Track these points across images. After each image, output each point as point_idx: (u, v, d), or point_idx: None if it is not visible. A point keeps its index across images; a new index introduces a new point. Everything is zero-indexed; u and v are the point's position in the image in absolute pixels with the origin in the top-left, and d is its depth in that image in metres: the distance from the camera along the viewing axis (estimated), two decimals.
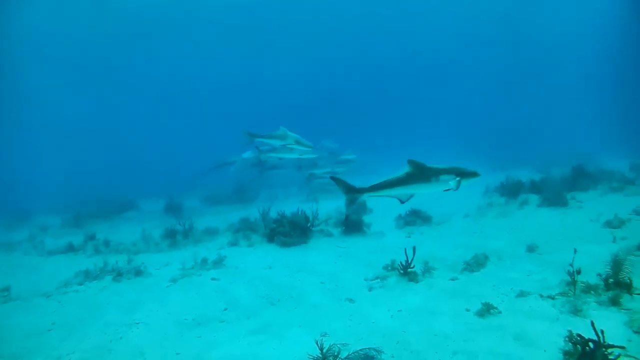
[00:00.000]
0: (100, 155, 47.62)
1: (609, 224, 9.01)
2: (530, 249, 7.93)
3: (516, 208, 12.15)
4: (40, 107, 53.56)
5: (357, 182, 6.62)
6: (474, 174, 5.99)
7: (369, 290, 6.78)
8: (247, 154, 14.53)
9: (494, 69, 61.86)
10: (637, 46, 39.72)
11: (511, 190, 13.76)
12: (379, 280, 7.11)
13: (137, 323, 6.25)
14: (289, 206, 12.56)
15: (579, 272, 5.51)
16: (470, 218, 11.74)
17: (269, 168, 16.14)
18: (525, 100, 54.27)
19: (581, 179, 13.79)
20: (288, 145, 10.98)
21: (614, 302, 5.13)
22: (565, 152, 23.20)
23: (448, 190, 5.98)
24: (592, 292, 5.43)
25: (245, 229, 11.88)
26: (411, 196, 6.37)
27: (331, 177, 6.81)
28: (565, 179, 14.11)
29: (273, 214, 11.50)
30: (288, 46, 59.92)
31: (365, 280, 7.26)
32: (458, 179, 5.90)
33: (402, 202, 6.44)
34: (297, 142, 10.91)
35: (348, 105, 66.93)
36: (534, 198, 12.63)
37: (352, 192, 6.53)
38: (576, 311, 5.08)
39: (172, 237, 11.77)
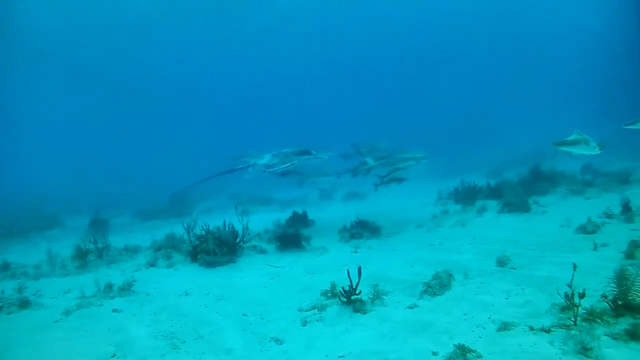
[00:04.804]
0: (42, 163, 43.94)
1: (582, 230, 7.81)
2: (501, 262, 6.48)
3: (475, 215, 10.93)
4: None
5: None
6: None
7: (303, 325, 5.13)
8: (266, 158, 11.94)
9: (450, 69, 61.32)
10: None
11: (467, 196, 12.64)
12: (316, 310, 5.46)
13: None
14: (227, 219, 10.80)
15: (582, 295, 4.03)
16: (424, 228, 10.43)
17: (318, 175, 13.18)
18: (478, 104, 54.30)
19: (539, 181, 13.02)
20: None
21: (634, 336, 3.66)
22: (511, 157, 22.74)
23: None
24: (598, 320, 3.96)
25: (168, 246, 10.13)
26: None
27: None
28: (523, 182, 13.26)
29: (199, 229, 9.75)
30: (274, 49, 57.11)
31: (299, 310, 5.61)
32: None
33: None
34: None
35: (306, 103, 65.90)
36: (492, 204, 11.47)
37: None
38: (584, 350, 3.57)
39: (82, 258, 9.78)
